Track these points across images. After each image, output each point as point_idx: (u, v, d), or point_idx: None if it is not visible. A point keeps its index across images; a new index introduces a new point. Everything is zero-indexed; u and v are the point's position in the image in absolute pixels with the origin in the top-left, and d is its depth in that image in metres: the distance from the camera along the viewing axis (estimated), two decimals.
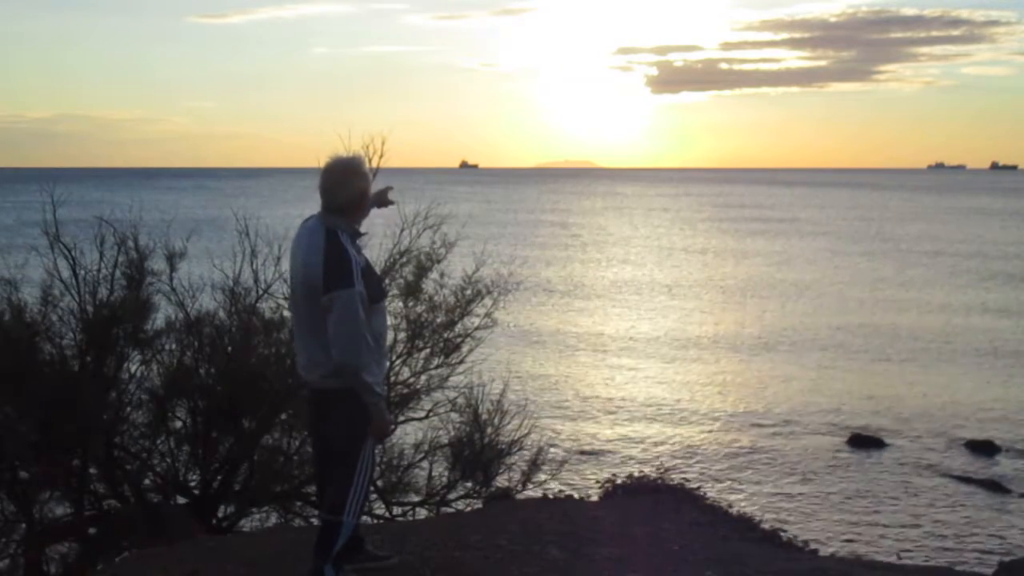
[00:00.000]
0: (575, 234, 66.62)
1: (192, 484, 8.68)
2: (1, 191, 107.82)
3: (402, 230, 9.16)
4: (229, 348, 8.72)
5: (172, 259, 8.79)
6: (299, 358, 4.56)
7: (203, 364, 8.70)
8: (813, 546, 6.99)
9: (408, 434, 9.20)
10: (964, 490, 15.23)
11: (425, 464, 8.98)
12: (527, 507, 6.59)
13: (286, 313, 8.95)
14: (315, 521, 8.64)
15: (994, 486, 15.33)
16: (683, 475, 13.00)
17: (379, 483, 8.89)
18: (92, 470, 8.33)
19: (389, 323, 9.10)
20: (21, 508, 7.98)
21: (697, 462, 16.63)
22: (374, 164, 8.91)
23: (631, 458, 16.45)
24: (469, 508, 8.42)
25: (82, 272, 8.44)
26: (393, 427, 9.01)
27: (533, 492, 8.63)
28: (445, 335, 9.07)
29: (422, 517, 8.60)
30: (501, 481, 8.80)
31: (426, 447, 8.96)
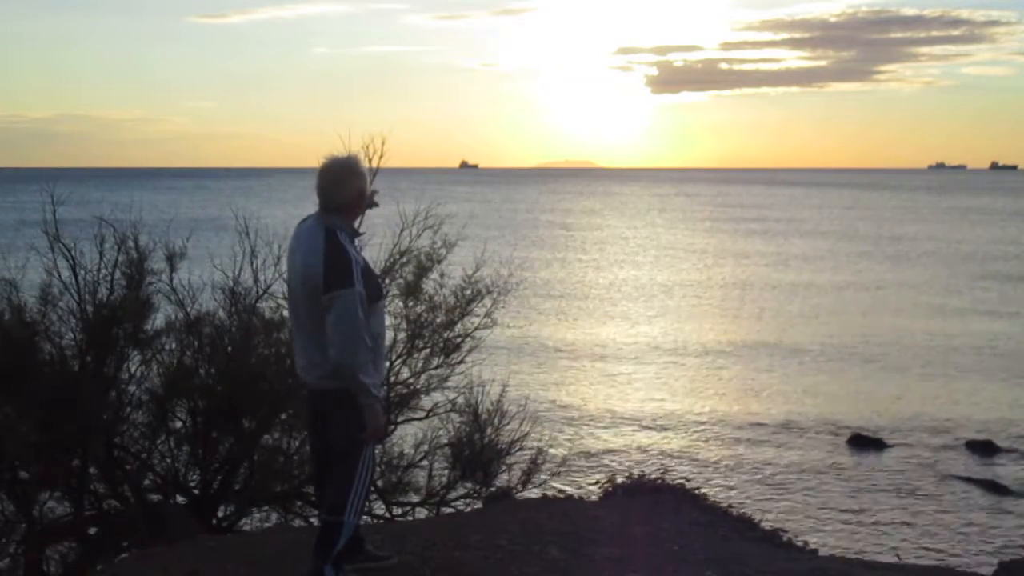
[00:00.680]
0: (575, 235, 66.62)
1: (192, 484, 8.67)
2: (1, 191, 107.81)
3: (402, 230, 9.16)
4: (229, 348, 8.72)
5: (172, 259, 8.79)
6: (298, 359, 4.55)
7: (203, 364, 8.70)
8: (813, 546, 6.99)
9: (408, 434, 9.21)
10: (964, 490, 15.23)
11: (425, 464, 8.98)
12: (527, 507, 6.58)
13: (286, 313, 8.94)
14: (315, 521, 8.65)
15: (994, 486, 15.34)
16: (683, 475, 12.99)
17: (379, 483, 8.89)
18: (92, 470, 8.33)
19: (388, 323, 9.10)
20: (21, 508, 7.97)
21: (697, 462, 16.63)
22: (374, 164, 8.92)
23: (631, 458, 16.45)
24: (469, 508, 8.42)
25: (82, 272, 8.44)
26: (393, 428, 9.03)
27: (533, 492, 8.64)
28: (445, 335, 9.07)
29: (422, 517, 8.60)
30: (501, 481, 8.80)
31: (426, 447, 8.96)
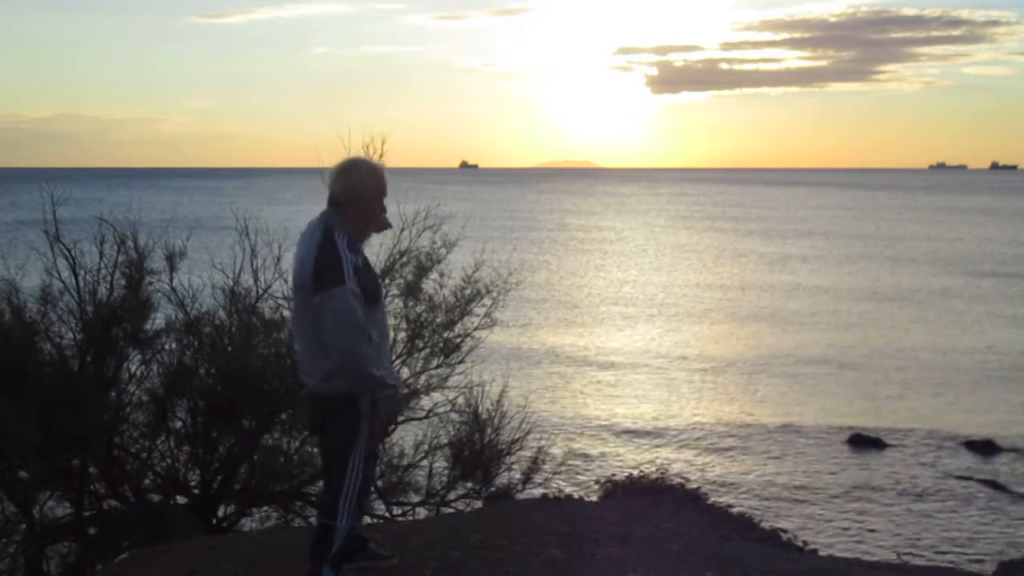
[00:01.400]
0: (574, 235, 66.61)
1: (192, 484, 8.67)
2: (1, 191, 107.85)
3: (402, 230, 9.16)
4: (229, 348, 8.72)
5: (172, 259, 8.79)
6: (298, 361, 4.55)
7: (203, 364, 8.70)
8: (813, 546, 7.00)
9: (408, 434, 9.21)
10: (964, 490, 15.23)
11: (425, 464, 8.98)
12: (527, 507, 6.58)
13: (286, 313, 8.95)
14: (314, 521, 8.66)
15: (994, 486, 15.34)
16: (683, 475, 12.99)
17: (379, 483, 8.88)
18: (92, 470, 8.33)
19: (389, 323, 9.10)
20: (21, 508, 7.97)
21: (697, 462, 16.63)
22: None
23: (631, 458, 16.45)
24: (469, 508, 8.41)
25: (82, 272, 8.43)
26: (393, 428, 9.02)
27: (533, 492, 8.63)
28: (445, 335, 9.07)
29: (422, 517, 8.60)
30: (501, 481, 8.79)
31: (426, 447, 8.96)
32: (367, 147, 8.70)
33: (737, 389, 21.89)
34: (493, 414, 8.79)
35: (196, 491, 8.61)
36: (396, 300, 9.08)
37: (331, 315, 4.17)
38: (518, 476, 8.88)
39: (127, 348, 8.55)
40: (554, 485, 9.15)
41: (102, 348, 8.30)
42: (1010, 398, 20.90)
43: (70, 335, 8.37)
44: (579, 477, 14.69)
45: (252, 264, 9.00)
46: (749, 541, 6.24)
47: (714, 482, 15.08)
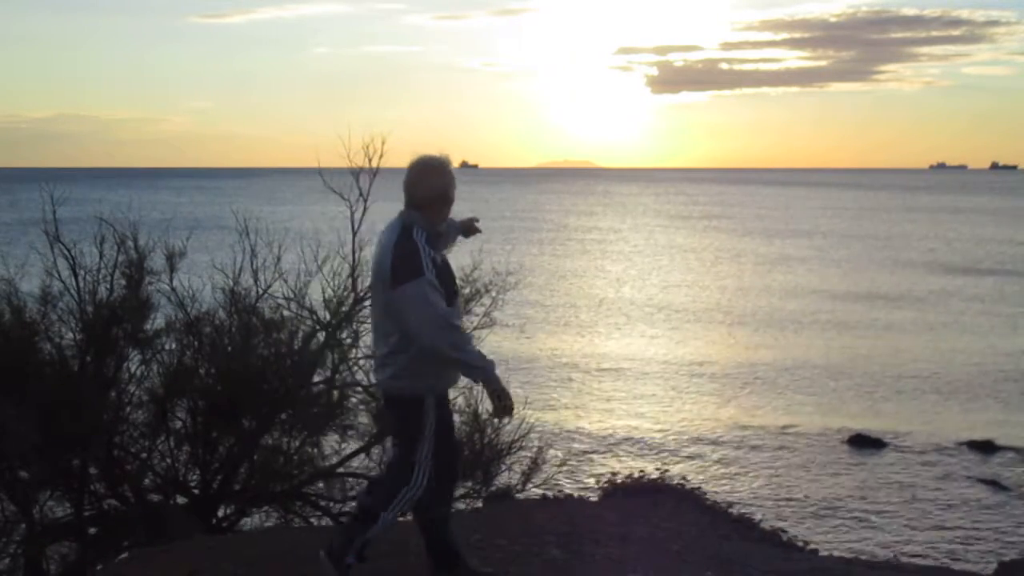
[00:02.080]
0: (573, 235, 66.61)
1: (192, 484, 8.67)
2: (1, 191, 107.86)
3: None
4: (229, 348, 8.71)
5: (172, 259, 8.78)
6: (374, 358, 4.59)
7: (203, 364, 8.70)
8: (813, 546, 7.00)
9: None
10: (964, 490, 15.23)
11: None
12: (527, 507, 6.59)
13: (286, 313, 8.95)
14: (316, 521, 8.65)
15: (994, 486, 15.34)
16: (683, 475, 12.99)
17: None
18: (92, 470, 8.33)
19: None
20: (21, 508, 7.97)
21: (697, 462, 16.63)
22: (374, 164, 8.92)
23: (631, 458, 16.45)
24: (469, 508, 8.41)
25: (82, 272, 8.43)
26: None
27: (533, 492, 8.63)
28: None
29: None
30: (501, 481, 8.79)
31: None
32: (367, 147, 8.71)
33: (737, 389, 21.89)
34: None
35: (196, 491, 8.61)
36: None
37: (411, 306, 4.19)
38: (518, 476, 8.88)
39: (127, 348, 8.55)
40: (554, 485, 9.15)
41: (102, 348, 8.30)
42: (1010, 398, 20.90)
43: (70, 335, 8.37)
44: (579, 477, 14.70)
45: (252, 264, 9.00)
46: (749, 541, 6.24)
47: (714, 482, 15.08)
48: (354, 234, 9.11)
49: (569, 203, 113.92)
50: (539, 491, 8.63)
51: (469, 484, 8.81)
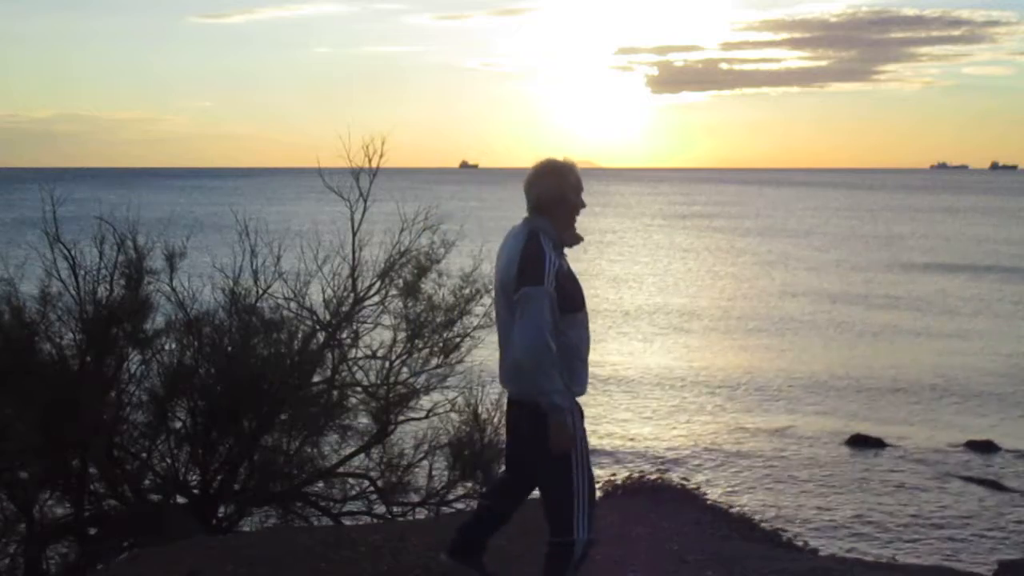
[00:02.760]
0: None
1: (192, 484, 8.67)
2: (1, 191, 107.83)
3: (402, 230, 9.17)
4: (229, 348, 8.72)
5: (171, 259, 8.79)
6: (500, 368, 4.45)
7: (203, 364, 8.70)
8: (813, 546, 7.00)
9: (408, 434, 9.20)
10: (964, 490, 15.22)
11: (425, 464, 8.97)
12: (527, 507, 6.57)
13: (286, 313, 8.96)
14: (316, 521, 8.65)
15: (994, 486, 15.33)
16: (683, 475, 12.98)
17: (379, 483, 8.89)
18: (92, 470, 8.32)
19: (388, 323, 9.11)
20: (21, 508, 7.97)
21: (697, 462, 16.62)
22: (374, 164, 8.92)
23: (631, 458, 16.44)
24: (469, 508, 8.41)
25: (81, 272, 8.44)
26: (393, 428, 9.02)
27: (533, 492, 8.62)
28: (444, 335, 9.07)
29: (422, 517, 8.60)
30: None
31: (426, 447, 8.96)
32: (367, 147, 8.72)
33: (736, 389, 21.88)
34: (493, 414, 8.79)
35: (196, 491, 8.61)
36: (396, 300, 9.09)
37: (524, 312, 4.14)
38: None
39: (127, 348, 8.55)
40: None
41: (102, 348, 8.30)
42: (1010, 399, 20.89)
43: (70, 335, 8.37)
44: None
45: (252, 264, 9.00)
46: (749, 541, 6.24)
47: (714, 482, 15.08)
48: (354, 234, 9.12)
49: None
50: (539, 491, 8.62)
51: (469, 484, 8.81)
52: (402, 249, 9.12)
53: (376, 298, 9.09)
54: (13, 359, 7.87)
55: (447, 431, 8.96)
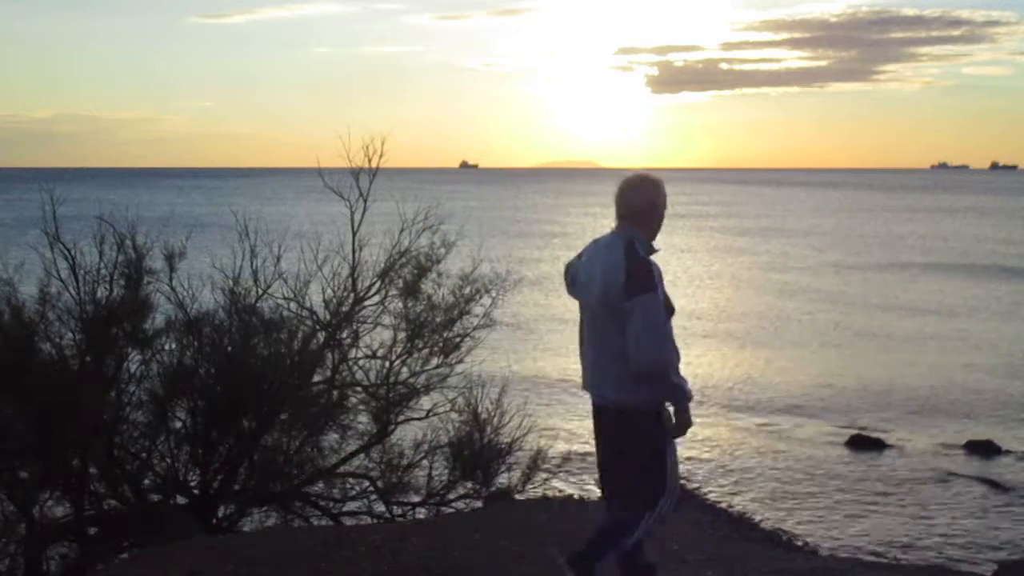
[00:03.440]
0: (573, 235, 66.58)
1: (192, 484, 8.67)
2: (1, 191, 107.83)
3: (401, 230, 9.17)
4: (229, 348, 8.72)
5: (171, 258, 8.79)
6: (590, 375, 4.71)
7: (203, 364, 8.70)
8: (813, 546, 7.00)
9: (408, 434, 9.20)
10: (964, 490, 15.21)
11: (425, 464, 8.97)
12: (527, 507, 6.59)
13: (286, 313, 8.96)
14: (316, 521, 8.65)
15: (994, 486, 15.32)
16: (683, 475, 12.97)
17: (379, 483, 8.89)
18: (92, 470, 8.32)
19: (388, 323, 9.12)
20: (21, 508, 7.97)
21: (697, 462, 16.62)
22: (374, 164, 8.93)
23: None
24: (469, 508, 8.41)
25: (81, 272, 8.44)
26: (393, 428, 9.03)
27: (533, 492, 8.63)
28: (444, 335, 9.07)
29: (422, 517, 8.60)
30: (501, 481, 8.79)
31: (426, 447, 8.96)
32: (367, 147, 8.72)
33: (735, 389, 21.88)
34: (493, 414, 8.80)
35: (196, 491, 8.61)
36: (396, 300, 9.09)
37: (642, 320, 4.26)
38: (518, 476, 8.88)
39: (127, 348, 8.55)
40: (554, 485, 9.14)
41: (102, 348, 8.30)
42: (1010, 399, 20.89)
43: (69, 335, 8.37)
44: (579, 477, 14.68)
45: (252, 264, 9.00)
46: (749, 541, 6.25)
47: (714, 482, 15.08)
48: (354, 234, 9.12)
49: (569, 202, 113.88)
50: (539, 491, 8.62)
51: (469, 484, 8.82)
52: (402, 249, 9.13)
53: (376, 298, 9.10)
54: (13, 359, 7.86)
55: (447, 431, 8.97)
